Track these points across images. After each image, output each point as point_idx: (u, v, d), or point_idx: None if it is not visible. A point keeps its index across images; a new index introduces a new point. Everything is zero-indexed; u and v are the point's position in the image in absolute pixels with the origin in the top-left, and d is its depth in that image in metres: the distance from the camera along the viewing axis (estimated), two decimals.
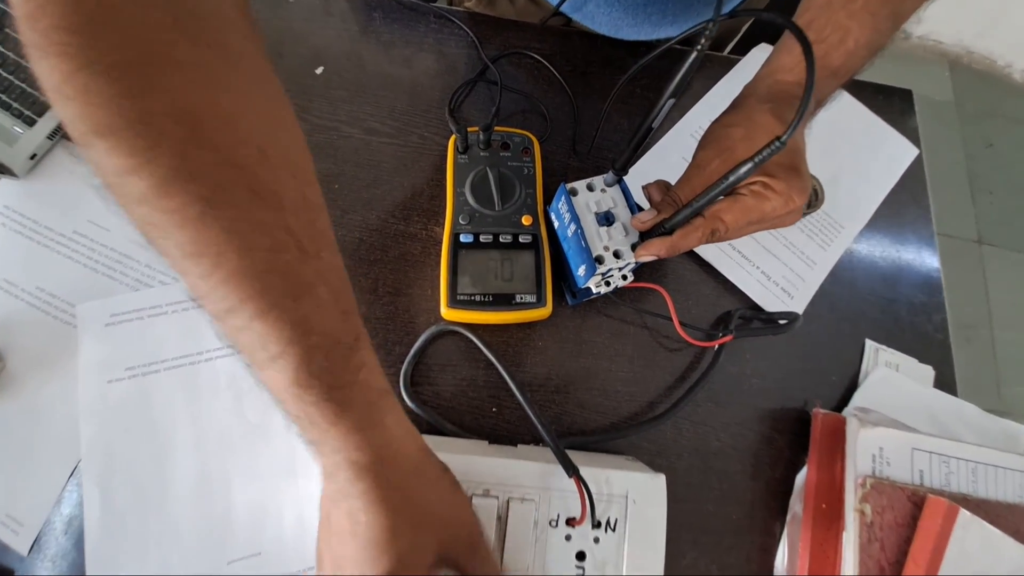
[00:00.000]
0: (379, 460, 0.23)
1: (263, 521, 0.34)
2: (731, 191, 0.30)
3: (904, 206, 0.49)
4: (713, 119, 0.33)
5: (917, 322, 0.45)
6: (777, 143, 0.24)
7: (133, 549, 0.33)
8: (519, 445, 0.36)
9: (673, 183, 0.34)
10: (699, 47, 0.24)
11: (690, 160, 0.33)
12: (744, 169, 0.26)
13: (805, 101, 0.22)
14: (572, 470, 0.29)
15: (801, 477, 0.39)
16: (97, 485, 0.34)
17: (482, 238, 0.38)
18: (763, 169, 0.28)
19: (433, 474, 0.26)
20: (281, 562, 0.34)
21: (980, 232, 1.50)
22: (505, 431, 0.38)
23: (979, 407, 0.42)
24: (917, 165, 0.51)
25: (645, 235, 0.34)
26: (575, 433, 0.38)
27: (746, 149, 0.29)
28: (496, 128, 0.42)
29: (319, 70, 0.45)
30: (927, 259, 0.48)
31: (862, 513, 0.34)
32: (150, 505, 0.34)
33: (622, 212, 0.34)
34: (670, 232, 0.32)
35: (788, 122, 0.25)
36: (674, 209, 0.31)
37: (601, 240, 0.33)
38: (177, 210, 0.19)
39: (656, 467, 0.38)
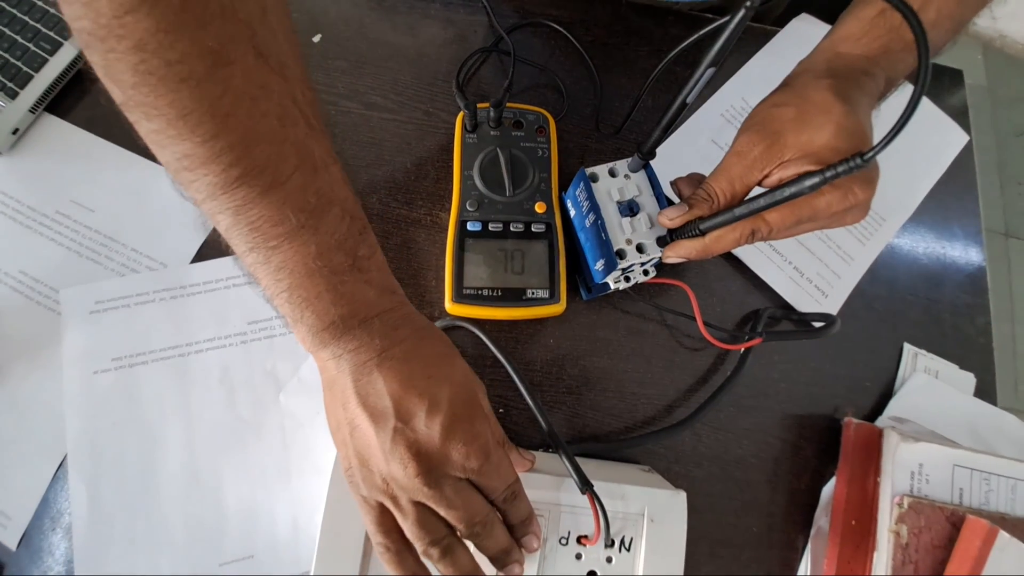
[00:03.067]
0: (411, 314, 0.25)
1: (256, 522, 0.33)
2: (776, 183, 0.26)
3: (951, 197, 0.45)
4: (743, 95, 0.29)
5: (960, 324, 0.42)
6: (859, 160, 0.19)
7: (122, 549, 0.31)
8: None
9: (705, 174, 0.31)
10: (748, 2, 0.20)
11: (724, 145, 0.29)
12: (808, 184, 0.21)
13: (917, 95, 0.17)
14: (586, 486, 0.27)
15: (828, 489, 0.36)
16: (84, 482, 0.32)
17: (491, 227, 0.35)
18: (816, 156, 0.24)
19: (440, 336, 0.27)
20: (275, 565, 0.32)
21: (1008, 224, 1.44)
22: (512, 434, 0.36)
23: (998, 407, 0.39)
24: (966, 153, 0.47)
25: (673, 231, 0.30)
26: (587, 437, 0.36)
27: (796, 133, 0.25)
28: (508, 104, 0.38)
29: (316, 38, 0.42)
30: (973, 256, 0.44)
31: (897, 534, 0.31)
32: (139, 504, 0.32)
33: (647, 201, 0.31)
34: (703, 232, 0.28)
35: (850, 100, 0.21)
36: (708, 204, 0.28)
37: (623, 232, 0.30)
38: (181, 61, 0.17)
39: (673, 475, 0.36)
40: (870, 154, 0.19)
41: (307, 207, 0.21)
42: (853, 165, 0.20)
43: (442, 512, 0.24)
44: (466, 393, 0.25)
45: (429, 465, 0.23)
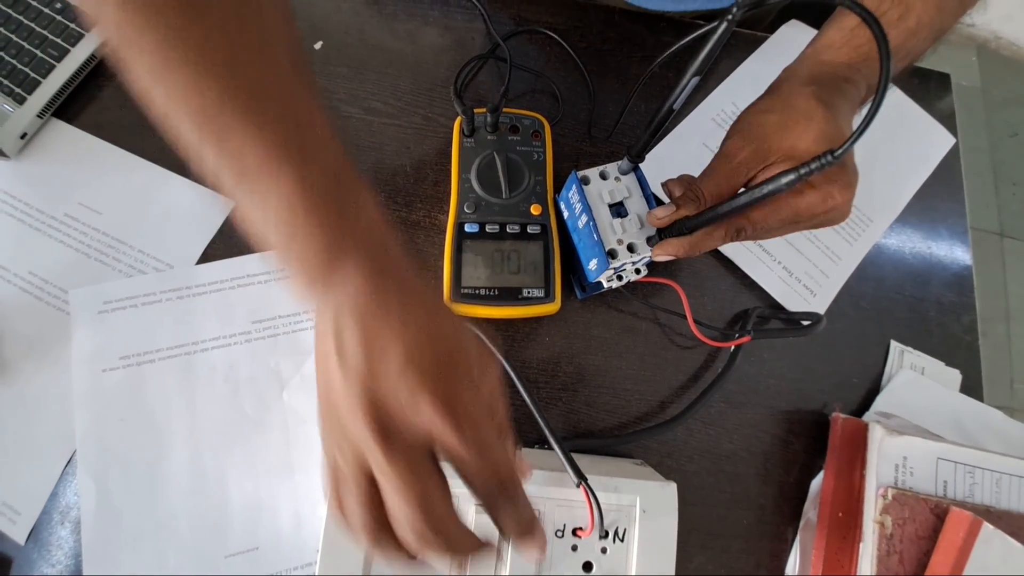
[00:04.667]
0: (405, 267, 0.22)
1: (260, 516, 0.34)
2: (759, 184, 0.27)
3: (937, 199, 0.47)
4: (733, 100, 0.30)
5: (946, 322, 0.43)
6: (829, 157, 0.21)
7: (129, 543, 0.32)
8: (523, 449, 0.34)
9: (695, 176, 0.32)
10: (729, 16, 0.21)
11: (715, 149, 0.30)
12: (785, 180, 0.23)
13: (879, 96, 0.19)
14: (580, 479, 0.28)
15: (817, 483, 0.37)
16: (92, 477, 0.33)
17: (488, 228, 0.36)
18: (798, 159, 0.25)
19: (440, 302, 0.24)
20: (278, 558, 0.33)
21: (1002, 224, 1.45)
22: None
23: (990, 404, 0.40)
24: (952, 155, 0.48)
25: (662, 230, 0.31)
26: (582, 433, 0.37)
27: (780, 138, 0.26)
28: (505, 109, 0.39)
29: (318, 45, 0.43)
30: (959, 255, 0.45)
31: (882, 525, 0.32)
32: (146, 498, 0.33)
33: (637, 203, 0.32)
34: (690, 231, 0.29)
35: (832, 106, 0.22)
36: (695, 204, 0.29)
37: (614, 233, 0.31)
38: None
39: (666, 469, 0.37)
40: (840, 151, 0.21)
41: (297, 136, 0.20)
42: (825, 162, 0.21)
43: (387, 484, 0.19)
44: (457, 352, 0.21)
45: (385, 420, 0.19)
